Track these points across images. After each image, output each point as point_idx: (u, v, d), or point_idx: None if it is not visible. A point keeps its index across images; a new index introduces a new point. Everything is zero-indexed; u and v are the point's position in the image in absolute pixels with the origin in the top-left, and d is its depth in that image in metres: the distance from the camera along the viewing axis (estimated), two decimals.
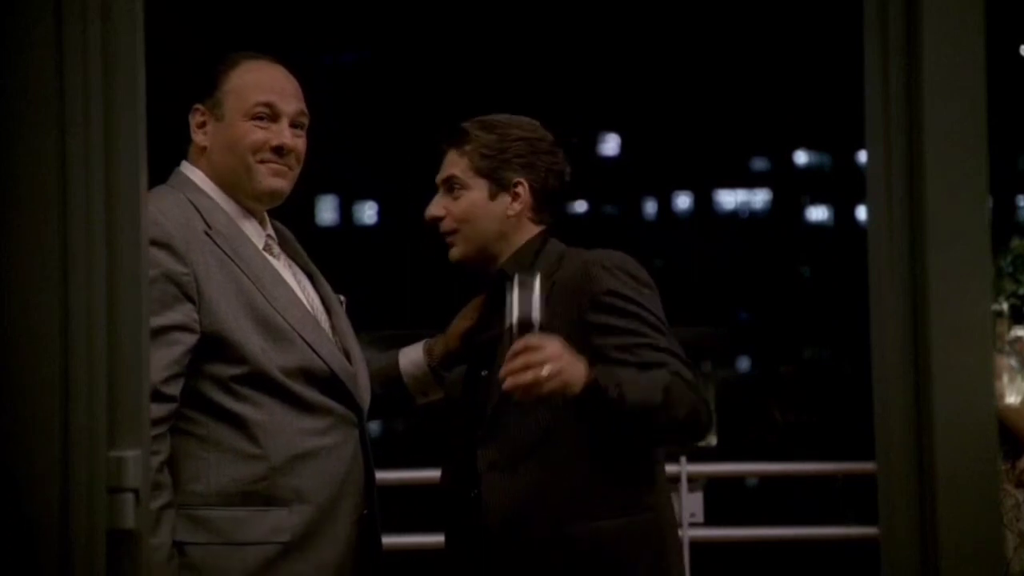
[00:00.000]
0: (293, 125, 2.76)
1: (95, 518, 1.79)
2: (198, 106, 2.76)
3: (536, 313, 2.42)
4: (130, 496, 1.82)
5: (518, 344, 2.42)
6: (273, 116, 2.74)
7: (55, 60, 1.81)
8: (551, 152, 2.79)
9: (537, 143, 2.78)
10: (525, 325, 2.42)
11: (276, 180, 2.74)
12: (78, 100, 1.82)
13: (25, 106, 1.81)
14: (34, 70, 1.81)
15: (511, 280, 2.48)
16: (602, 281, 2.61)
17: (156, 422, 2.49)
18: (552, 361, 2.40)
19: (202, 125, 2.76)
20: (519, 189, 2.76)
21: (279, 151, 2.73)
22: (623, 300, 2.60)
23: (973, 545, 1.86)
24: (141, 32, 1.87)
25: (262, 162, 2.72)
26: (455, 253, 2.79)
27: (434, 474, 2.88)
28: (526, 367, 2.40)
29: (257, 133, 2.72)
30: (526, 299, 2.44)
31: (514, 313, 2.44)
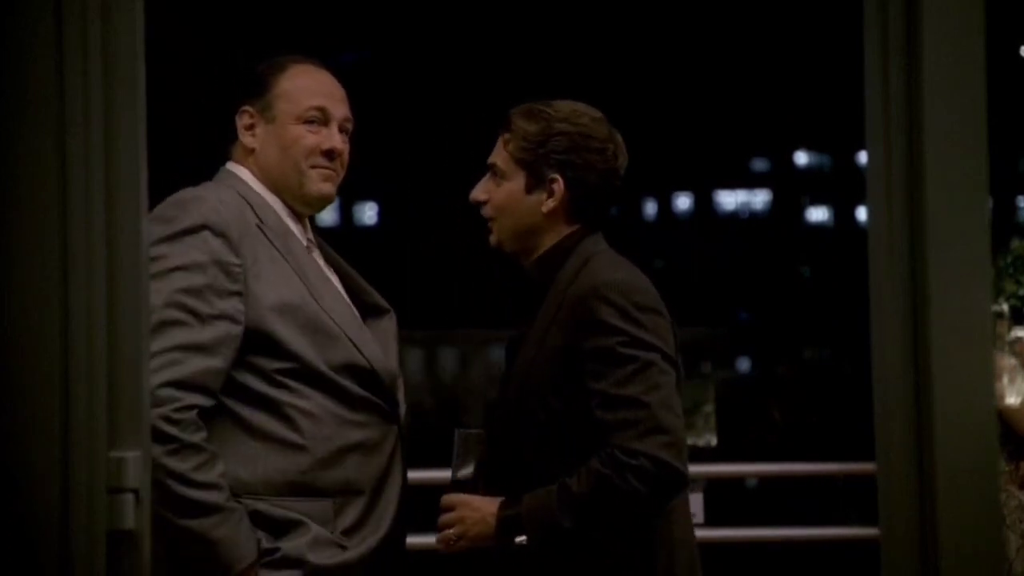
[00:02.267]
0: (340, 130, 2.77)
1: (95, 518, 1.80)
2: (246, 108, 2.77)
3: (467, 471, 2.68)
4: (130, 496, 1.82)
5: (443, 500, 2.65)
6: (324, 120, 2.75)
7: (55, 60, 1.81)
8: (598, 150, 2.69)
9: (581, 139, 2.68)
10: (459, 483, 2.68)
11: (326, 185, 2.77)
12: (78, 100, 1.82)
13: (25, 106, 1.81)
14: (34, 70, 1.81)
15: (457, 433, 2.69)
16: (597, 312, 2.56)
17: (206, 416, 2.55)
18: (457, 524, 2.62)
19: (250, 127, 2.77)
20: (554, 186, 2.69)
21: (330, 155, 2.75)
22: (611, 337, 2.55)
23: (973, 545, 1.86)
24: (141, 32, 1.87)
25: (313, 167, 2.74)
26: (492, 239, 2.75)
27: (430, 475, 2.89)
28: (445, 525, 2.64)
29: (309, 138, 2.74)
30: (463, 456, 2.68)
31: (454, 469, 2.69)
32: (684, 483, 2.55)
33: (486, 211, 2.73)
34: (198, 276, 2.56)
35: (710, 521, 4.82)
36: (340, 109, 2.78)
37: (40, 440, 1.79)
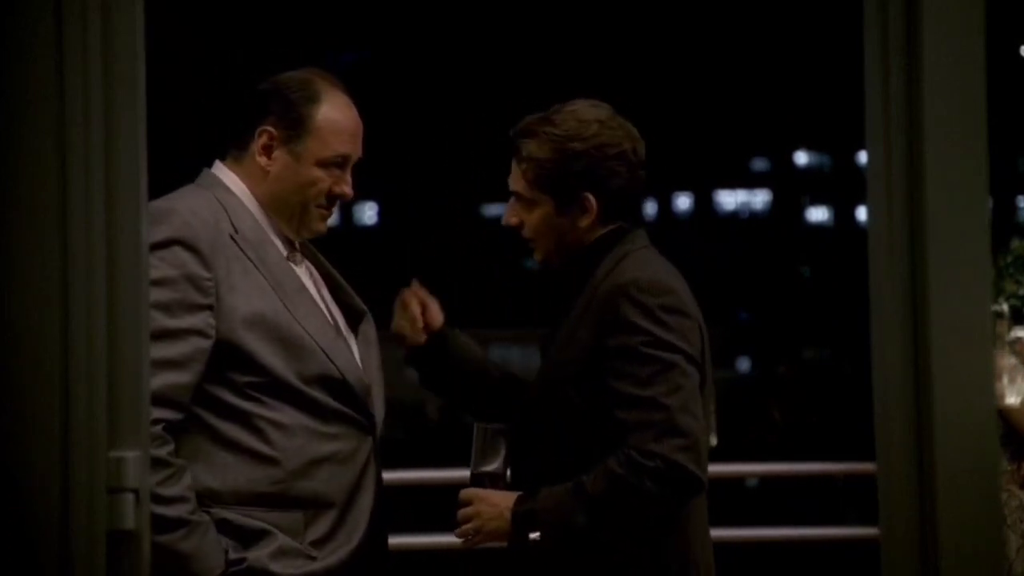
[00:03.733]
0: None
1: (95, 518, 1.80)
2: (268, 129, 2.71)
3: (494, 465, 2.67)
4: (130, 496, 1.82)
5: (462, 495, 2.64)
6: (343, 165, 2.74)
7: (55, 60, 1.81)
8: (617, 155, 2.65)
9: (597, 151, 2.64)
10: (479, 477, 2.66)
11: (323, 224, 2.76)
12: (78, 100, 1.82)
13: (25, 106, 1.81)
14: (34, 70, 1.81)
15: (476, 428, 2.68)
16: (623, 310, 2.55)
17: (171, 429, 2.53)
18: (473, 520, 2.61)
19: (268, 149, 2.72)
20: (586, 203, 2.65)
21: (338, 199, 2.75)
22: (634, 336, 2.53)
23: (973, 545, 1.86)
24: (141, 32, 1.87)
25: (318, 206, 2.73)
26: (537, 258, 2.72)
27: (430, 475, 2.88)
28: (463, 520, 2.63)
29: (325, 182, 2.71)
30: (482, 451, 2.68)
31: (474, 463, 2.69)
32: (700, 487, 2.52)
33: (525, 234, 2.70)
34: (168, 291, 2.55)
35: (710, 521, 4.81)
36: (359, 150, 2.75)
37: (40, 440, 1.79)
